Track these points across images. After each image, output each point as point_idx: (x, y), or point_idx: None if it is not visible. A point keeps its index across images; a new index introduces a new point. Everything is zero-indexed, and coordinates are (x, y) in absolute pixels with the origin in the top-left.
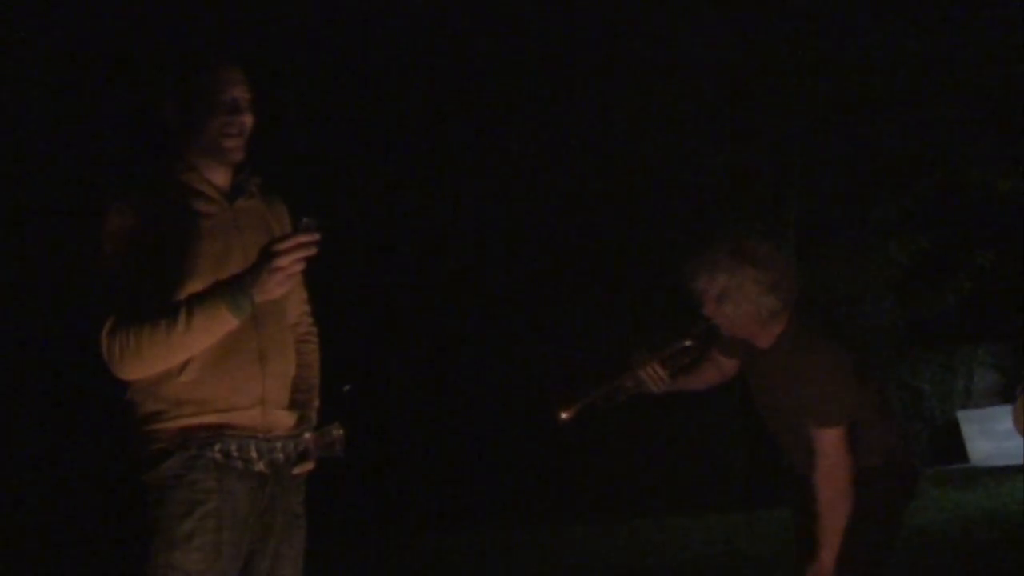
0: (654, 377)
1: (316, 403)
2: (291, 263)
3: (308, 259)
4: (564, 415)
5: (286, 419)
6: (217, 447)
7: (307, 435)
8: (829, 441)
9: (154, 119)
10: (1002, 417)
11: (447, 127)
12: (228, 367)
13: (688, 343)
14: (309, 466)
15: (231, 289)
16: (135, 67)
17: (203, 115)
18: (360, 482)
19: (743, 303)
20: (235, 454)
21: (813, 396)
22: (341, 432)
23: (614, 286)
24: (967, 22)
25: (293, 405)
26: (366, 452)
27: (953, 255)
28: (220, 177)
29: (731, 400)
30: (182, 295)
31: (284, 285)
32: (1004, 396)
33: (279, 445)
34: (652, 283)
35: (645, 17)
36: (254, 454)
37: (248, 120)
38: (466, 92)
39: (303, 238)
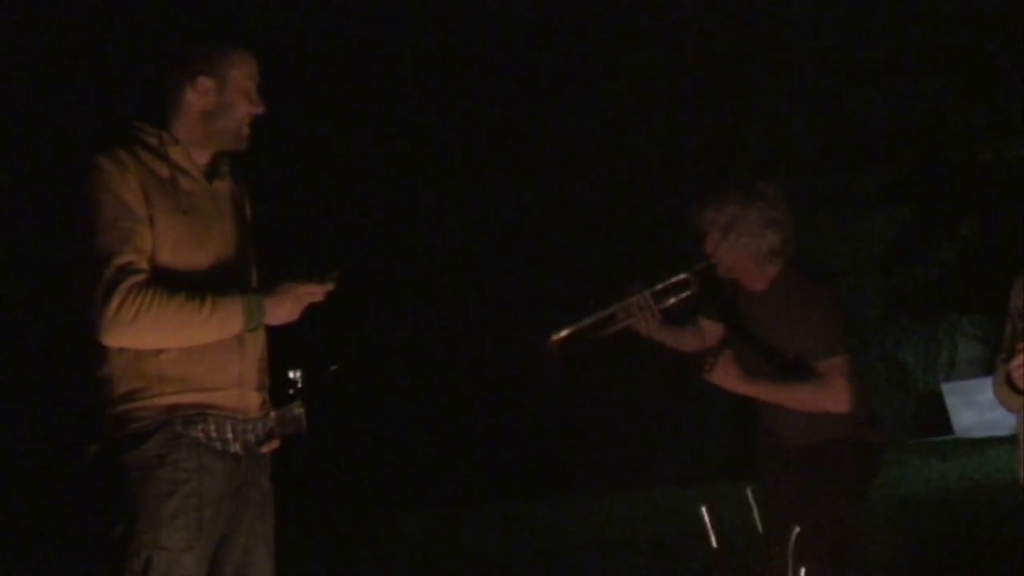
0: (645, 310)
1: (267, 383)
2: (308, 300)
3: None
4: (555, 338)
5: (256, 400)
6: (199, 426)
7: (272, 414)
8: (838, 368)
9: (157, 91)
10: (986, 388)
11: (438, 112)
12: (209, 347)
13: (683, 276)
14: (275, 444)
15: (249, 303)
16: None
17: (237, 102)
18: (348, 458)
19: (747, 235)
20: (213, 434)
21: (816, 327)
22: (302, 411)
23: (602, 261)
24: None
25: (259, 387)
26: (353, 429)
27: (937, 226)
28: (204, 157)
29: None
30: (168, 270)
31: (292, 316)
32: (988, 367)
33: (250, 427)
34: (639, 258)
35: None
36: (230, 435)
37: (263, 109)
38: (459, 79)
39: (329, 287)
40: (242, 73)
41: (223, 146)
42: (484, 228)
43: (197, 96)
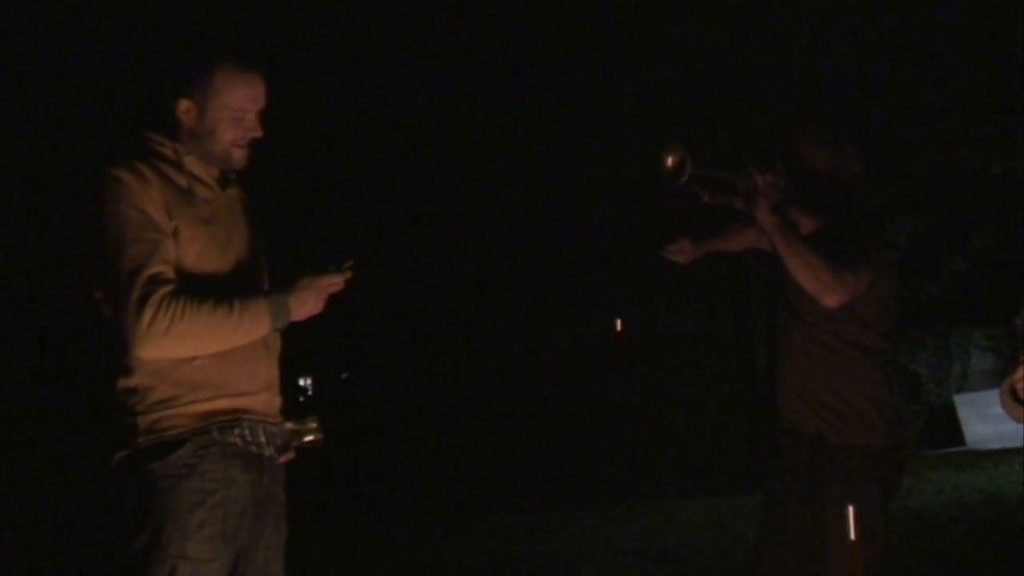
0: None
1: None
2: (329, 291)
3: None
4: (670, 160)
5: (279, 404)
6: (236, 431)
7: (288, 425)
8: (857, 269)
9: (161, 105)
10: (998, 400)
11: (441, 115)
12: (240, 352)
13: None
14: (291, 455)
15: (274, 303)
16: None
17: (220, 126)
18: (355, 467)
19: (837, 156)
20: (249, 439)
21: (854, 240)
22: (317, 425)
23: (605, 271)
24: (961, 2)
25: (280, 391)
26: (361, 437)
27: (950, 238)
28: (213, 167)
29: (732, 385)
30: (194, 280)
31: (316, 310)
32: (1000, 379)
33: (277, 431)
34: (644, 268)
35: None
36: (263, 439)
37: (259, 133)
38: (462, 79)
39: (348, 275)
40: (233, 95)
41: (216, 165)
42: (488, 245)
43: (182, 116)
